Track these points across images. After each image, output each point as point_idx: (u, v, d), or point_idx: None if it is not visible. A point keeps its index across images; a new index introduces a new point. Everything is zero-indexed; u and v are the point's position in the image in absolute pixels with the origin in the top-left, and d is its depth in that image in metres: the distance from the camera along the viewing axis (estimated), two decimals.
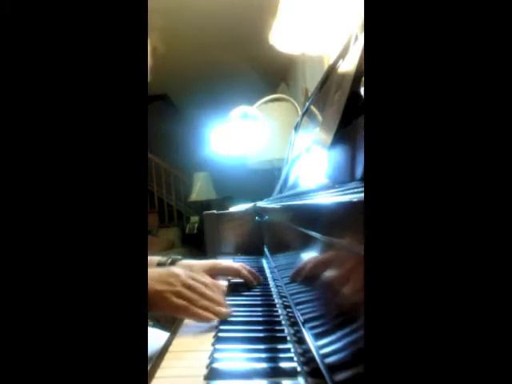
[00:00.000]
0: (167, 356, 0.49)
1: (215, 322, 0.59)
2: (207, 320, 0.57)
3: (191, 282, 0.61)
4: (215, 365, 0.43)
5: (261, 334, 0.53)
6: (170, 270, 0.63)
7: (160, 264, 0.79)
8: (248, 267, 0.84)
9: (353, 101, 0.47)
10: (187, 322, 0.62)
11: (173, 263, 0.80)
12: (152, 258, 0.80)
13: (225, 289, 0.73)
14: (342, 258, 0.30)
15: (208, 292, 0.61)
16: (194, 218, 4.31)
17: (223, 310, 0.59)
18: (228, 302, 0.67)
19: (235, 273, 0.82)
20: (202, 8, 2.73)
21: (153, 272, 0.60)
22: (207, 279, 0.67)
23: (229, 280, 0.83)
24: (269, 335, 0.53)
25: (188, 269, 0.72)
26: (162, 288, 0.57)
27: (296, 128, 1.20)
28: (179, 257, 0.82)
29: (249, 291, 0.78)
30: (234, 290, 0.78)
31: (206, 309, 0.58)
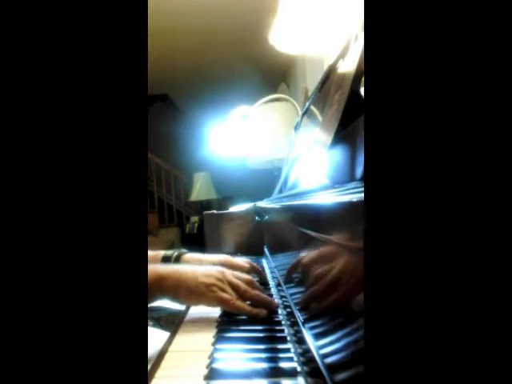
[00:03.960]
0: (167, 356, 0.49)
1: (215, 322, 0.60)
2: (250, 313, 0.60)
3: (235, 280, 0.63)
4: (215, 365, 0.43)
5: (261, 334, 0.53)
6: (216, 267, 0.66)
7: (165, 257, 0.81)
8: (258, 266, 0.86)
9: (353, 101, 0.47)
10: (187, 321, 0.62)
11: (179, 257, 0.81)
12: (158, 253, 0.82)
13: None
14: (342, 258, 0.30)
15: (252, 291, 0.63)
16: (194, 218, 4.31)
17: (263, 310, 0.61)
18: None
19: (246, 271, 0.83)
20: (202, 8, 2.73)
21: (199, 267, 0.65)
22: (247, 276, 0.69)
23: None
24: (269, 335, 0.53)
25: (198, 263, 0.76)
26: (210, 281, 0.61)
27: (296, 128, 1.20)
28: (185, 250, 0.83)
29: None
30: None
31: (257, 296, 0.61)
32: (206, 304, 0.62)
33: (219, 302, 0.60)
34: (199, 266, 0.68)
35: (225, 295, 0.60)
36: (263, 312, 0.60)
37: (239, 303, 0.60)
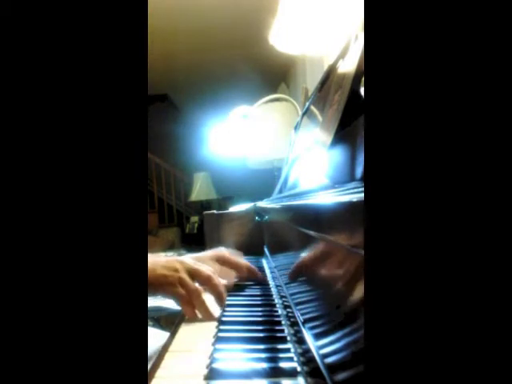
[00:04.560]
0: (167, 356, 0.49)
1: (215, 322, 0.60)
2: (204, 313, 0.61)
3: (196, 267, 0.63)
4: (215, 365, 0.43)
5: (261, 334, 0.53)
6: (177, 257, 0.66)
7: None
8: (253, 267, 0.85)
9: (353, 101, 0.47)
10: (187, 321, 0.62)
11: None
12: (158, 256, 0.82)
13: (232, 276, 0.77)
14: (341, 258, 0.30)
15: (211, 280, 0.64)
16: (194, 218, 4.31)
17: (215, 314, 0.61)
18: (228, 302, 0.67)
19: (241, 270, 0.83)
20: (202, 8, 2.73)
21: (161, 259, 0.64)
22: (214, 267, 0.71)
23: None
24: (269, 335, 0.53)
25: (196, 259, 0.75)
26: (168, 273, 0.60)
27: (296, 128, 1.20)
28: (184, 252, 0.85)
29: (249, 291, 0.78)
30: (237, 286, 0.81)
31: (202, 305, 0.61)
32: (163, 296, 0.63)
33: (174, 295, 0.61)
34: (159, 257, 0.69)
35: (180, 290, 0.60)
36: (214, 317, 0.61)
37: (193, 302, 0.60)
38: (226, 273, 0.77)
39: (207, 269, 0.66)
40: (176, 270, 0.61)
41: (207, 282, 0.64)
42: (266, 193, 1.58)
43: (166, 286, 0.60)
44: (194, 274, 0.63)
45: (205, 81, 4.03)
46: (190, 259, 0.66)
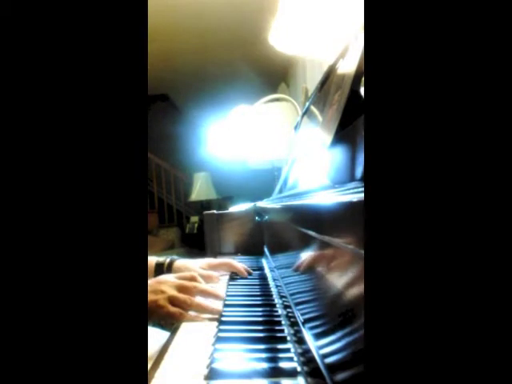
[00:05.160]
0: (167, 356, 0.49)
1: (215, 321, 0.60)
2: (201, 318, 0.62)
3: (181, 281, 0.66)
4: (215, 365, 0.43)
5: (261, 334, 0.53)
6: (158, 279, 0.68)
7: (158, 264, 0.86)
8: (238, 262, 0.95)
9: (353, 101, 0.47)
10: (187, 322, 0.62)
11: (171, 263, 0.86)
12: (150, 259, 0.87)
13: (217, 275, 0.85)
14: (341, 258, 0.30)
15: (200, 286, 0.67)
16: (194, 218, 4.31)
17: (215, 309, 0.63)
18: (228, 302, 0.67)
19: (228, 266, 0.92)
20: (202, 8, 2.73)
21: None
22: (200, 271, 0.78)
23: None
24: (269, 335, 0.53)
25: (185, 269, 0.82)
26: (157, 297, 0.62)
27: (296, 128, 1.20)
28: (176, 257, 0.88)
29: (248, 290, 0.79)
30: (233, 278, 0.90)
31: (200, 307, 0.63)
32: (160, 320, 0.64)
33: (170, 316, 0.61)
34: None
35: (174, 309, 0.61)
36: (214, 311, 0.63)
37: (188, 315, 0.62)
38: (210, 278, 0.83)
39: (190, 276, 0.68)
40: (163, 292, 0.63)
41: (195, 291, 0.66)
42: (266, 193, 1.58)
43: (158, 309, 0.61)
44: (180, 289, 0.65)
45: (205, 81, 4.03)
46: (171, 277, 0.68)
